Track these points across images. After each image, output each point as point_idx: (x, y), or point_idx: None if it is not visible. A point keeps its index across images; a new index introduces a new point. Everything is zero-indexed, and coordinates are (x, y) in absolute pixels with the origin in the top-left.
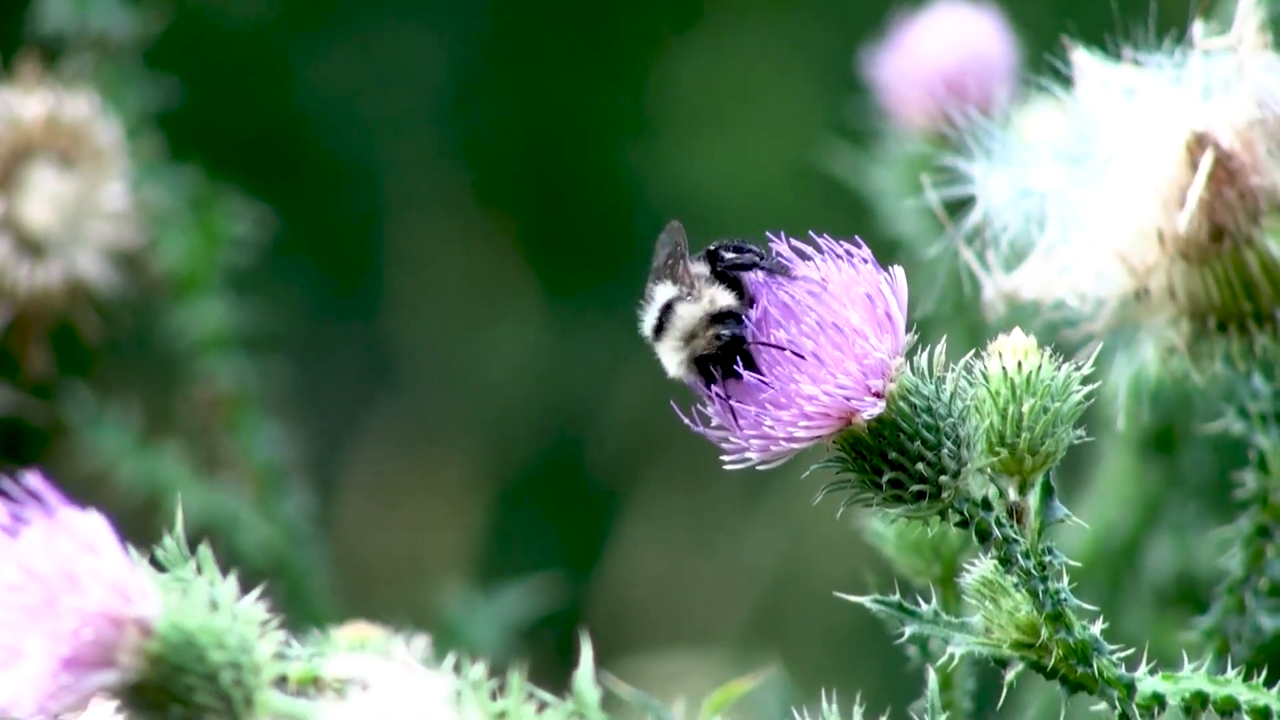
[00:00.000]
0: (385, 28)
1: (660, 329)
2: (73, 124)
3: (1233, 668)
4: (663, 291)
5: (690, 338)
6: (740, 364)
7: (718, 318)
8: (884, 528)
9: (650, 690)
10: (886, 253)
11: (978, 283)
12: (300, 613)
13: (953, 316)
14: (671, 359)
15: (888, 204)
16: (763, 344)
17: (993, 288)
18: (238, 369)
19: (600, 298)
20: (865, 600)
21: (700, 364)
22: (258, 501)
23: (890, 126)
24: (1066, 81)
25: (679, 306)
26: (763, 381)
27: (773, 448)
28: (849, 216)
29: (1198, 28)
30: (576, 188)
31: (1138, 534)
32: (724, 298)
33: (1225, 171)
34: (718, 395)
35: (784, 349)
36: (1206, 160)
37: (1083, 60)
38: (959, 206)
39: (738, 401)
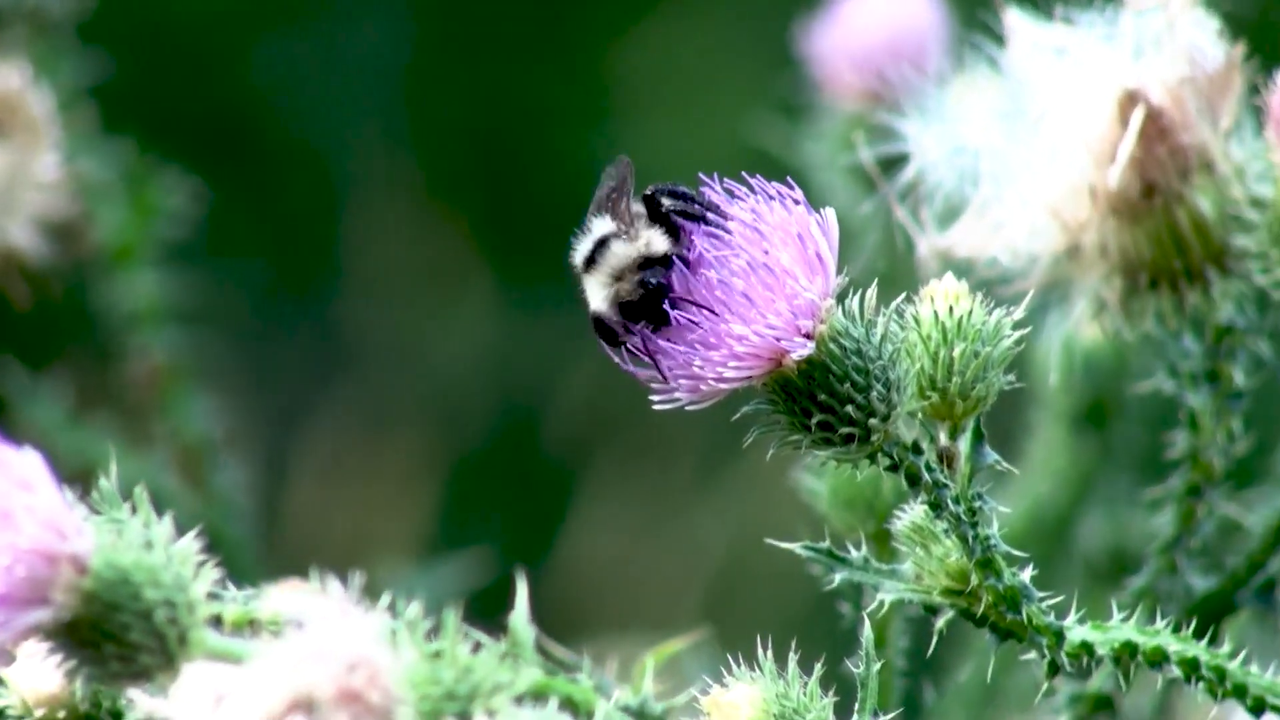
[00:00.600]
0: (340, 11)
1: (591, 262)
2: (4, 95)
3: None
4: (600, 225)
5: (617, 278)
6: (668, 306)
7: (648, 263)
8: (818, 484)
9: (602, 669)
10: None
11: (911, 241)
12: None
13: (885, 276)
14: (596, 293)
15: (819, 177)
16: (681, 299)
17: (926, 245)
18: (172, 343)
19: (553, 282)
20: (795, 547)
21: (624, 307)
22: (190, 475)
23: (823, 100)
24: (999, 41)
25: (613, 244)
26: (691, 322)
27: (701, 388)
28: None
29: None
30: (530, 173)
31: (1070, 508)
32: (659, 242)
33: (1156, 129)
34: (635, 341)
35: (703, 308)
36: (1137, 116)
37: (1014, 20)
38: (893, 165)
39: (667, 341)
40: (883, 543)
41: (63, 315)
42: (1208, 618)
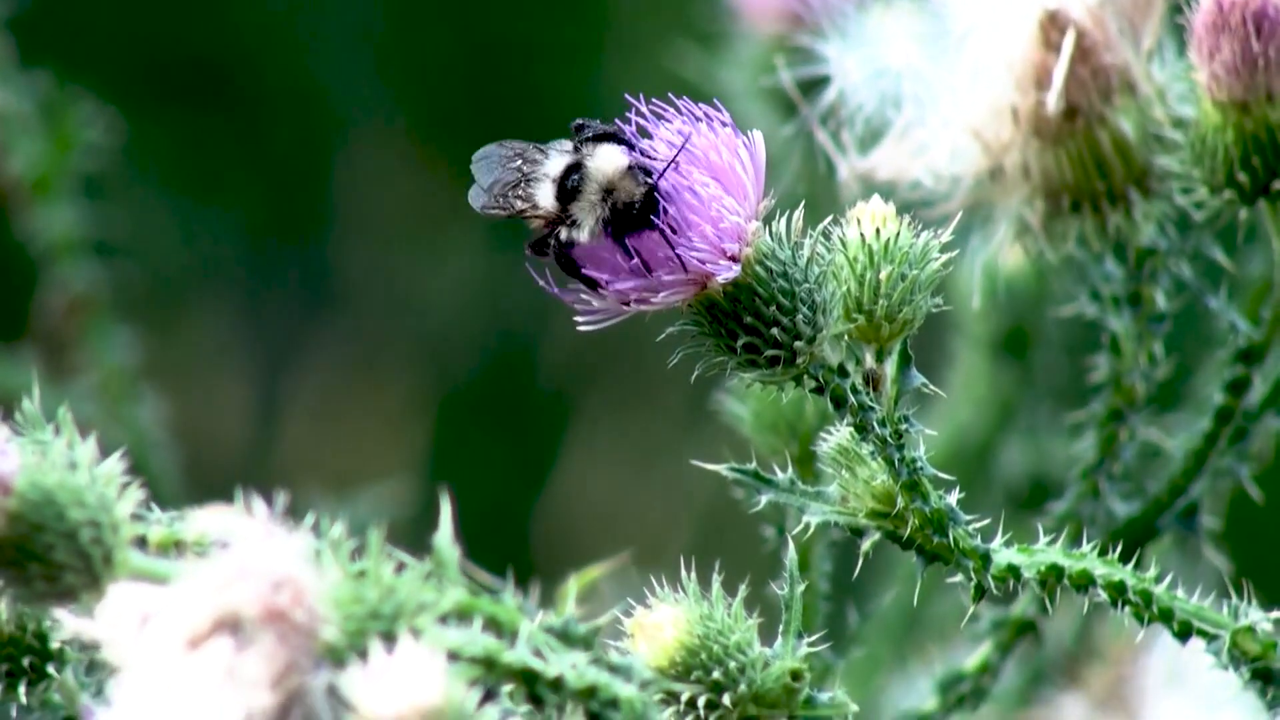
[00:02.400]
0: None
1: (575, 191)
2: None
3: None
4: (553, 163)
5: (609, 190)
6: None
7: (631, 169)
8: (741, 408)
9: (592, 604)
10: None
11: (833, 164)
12: None
13: (807, 200)
14: (588, 219)
15: (737, 105)
16: (674, 188)
17: (848, 168)
18: (90, 275)
19: None
20: (721, 468)
21: (621, 214)
22: (110, 406)
23: (739, 27)
24: None
25: (590, 164)
26: (671, 229)
27: (625, 308)
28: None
29: None
30: (519, 112)
31: (990, 436)
32: (623, 155)
33: (1078, 49)
34: (634, 250)
35: (698, 194)
36: (1069, 39)
37: None
38: (813, 88)
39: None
40: (806, 465)
41: None
42: (1131, 543)
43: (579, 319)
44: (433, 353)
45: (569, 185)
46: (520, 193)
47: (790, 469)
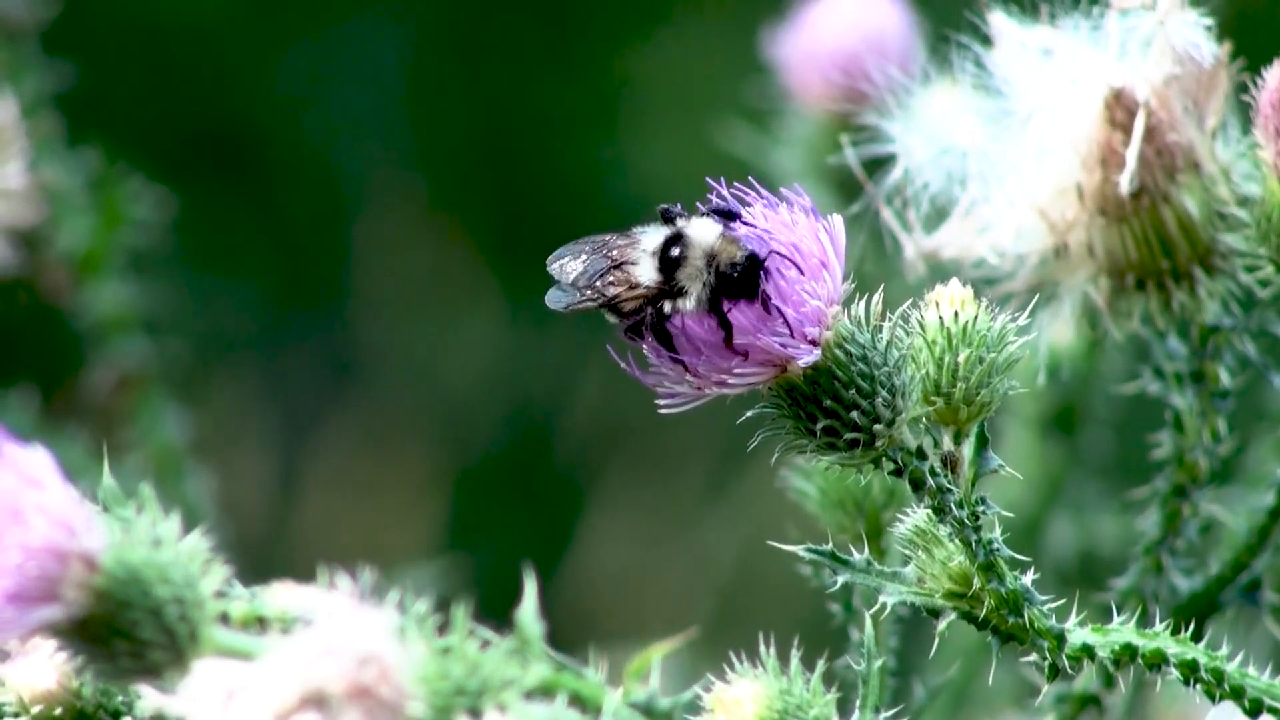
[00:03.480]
0: (344, 23)
1: (678, 261)
2: None
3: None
4: (649, 239)
5: (713, 256)
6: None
7: (730, 237)
8: (807, 485)
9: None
10: None
11: (898, 243)
12: None
13: (872, 279)
14: (694, 285)
15: (789, 184)
16: (775, 252)
17: (913, 247)
18: (140, 351)
19: None
20: (799, 549)
21: (725, 279)
22: (158, 483)
23: (791, 106)
24: (986, 42)
25: (691, 232)
26: (783, 277)
27: (706, 392)
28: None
29: None
30: (535, 184)
31: (1039, 513)
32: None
33: (1145, 128)
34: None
35: (783, 276)
36: (1140, 119)
37: (1000, 22)
38: (875, 167)
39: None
40: (872, 541)
41: (29, 325)
42: (1193, 618)
43: (660, 402)
44: (451, 425)
45: (672, 255)
46: (614, 277)
47: (865, 549)
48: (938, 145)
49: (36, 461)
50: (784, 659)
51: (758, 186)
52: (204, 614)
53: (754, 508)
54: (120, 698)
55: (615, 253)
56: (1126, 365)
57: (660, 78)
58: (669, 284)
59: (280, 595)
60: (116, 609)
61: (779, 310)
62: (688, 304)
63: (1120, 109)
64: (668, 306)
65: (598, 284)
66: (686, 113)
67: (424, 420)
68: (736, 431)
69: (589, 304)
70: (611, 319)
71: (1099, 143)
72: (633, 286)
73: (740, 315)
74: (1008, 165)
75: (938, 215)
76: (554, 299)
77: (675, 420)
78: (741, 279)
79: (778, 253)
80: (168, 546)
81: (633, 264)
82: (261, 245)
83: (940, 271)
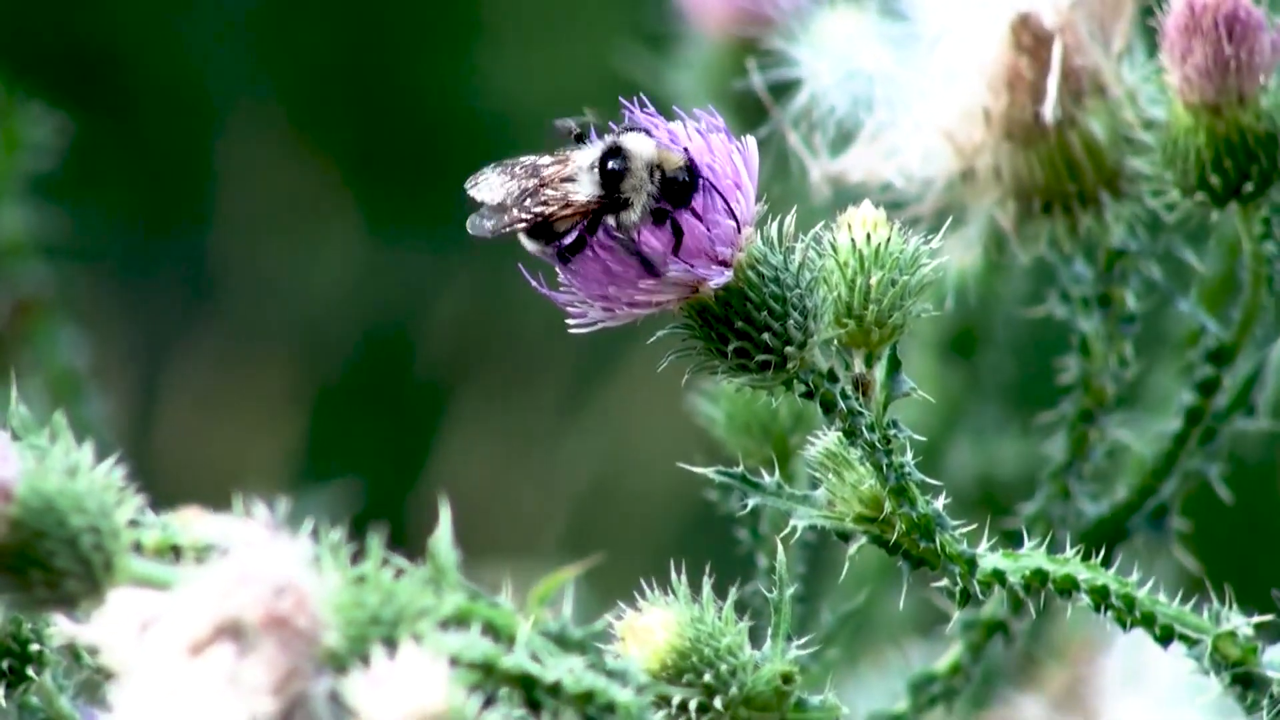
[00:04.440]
0: None
1: (617, 175)
2: None
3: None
4: (582, 156)
5: (655, 165)
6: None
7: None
8: (714, 409)
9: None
10: None
11: (804, 167)
12: None
13: (778, 202)
14: (639, 196)
15: (689, 107)
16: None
17: (819, 170)
18: (38, 276)
19: (420, 212)
20: (709, 471)
21: (669, 185)
22: (56, 407)
23: (689, 30)
24: None
25: (627, 145)
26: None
27: (617, 312)
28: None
29: None
30: (392, 104)
31: (939, 438)
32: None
33: (1049, 52)
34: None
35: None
36: (1058, 46)
37: None
38: (780, 92)
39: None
40: (781, 465)
41: None
42: (1100, 544)
43: (570, 322)
44: (310, 344)
45: (612, 168)
46: (546, 195)
47: (776, 472)
48: (844, 69)
49: None
50: (658, 579)
51: (674, 109)
52: (119, 544)
53: (610, 425)
54: (30, 626)
55: (546, 172)
56: (1025, 288)
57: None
58: (614, 196)
59: (195, 524)
60: (32, 538)
61: (723, 202)
62: (633, 215)
63: (1027, 33)
64: (611, 220)
65: (528, 203)
66: (547, 29)
67: (283, 338)
68: (592, 349)
69: (521, 224)
70: (530, 245)
71: (1005, 66)
72: (568, 204)
73: (653, 238)
74: (914, 89)
75: (843, 140)
76: (476, 224)
77: (531, 337)
78: (685, 186)
79: (708, 165)
80: (82, 475)
81: (568, 180)
82: (120, 166)
83: (845, 195)
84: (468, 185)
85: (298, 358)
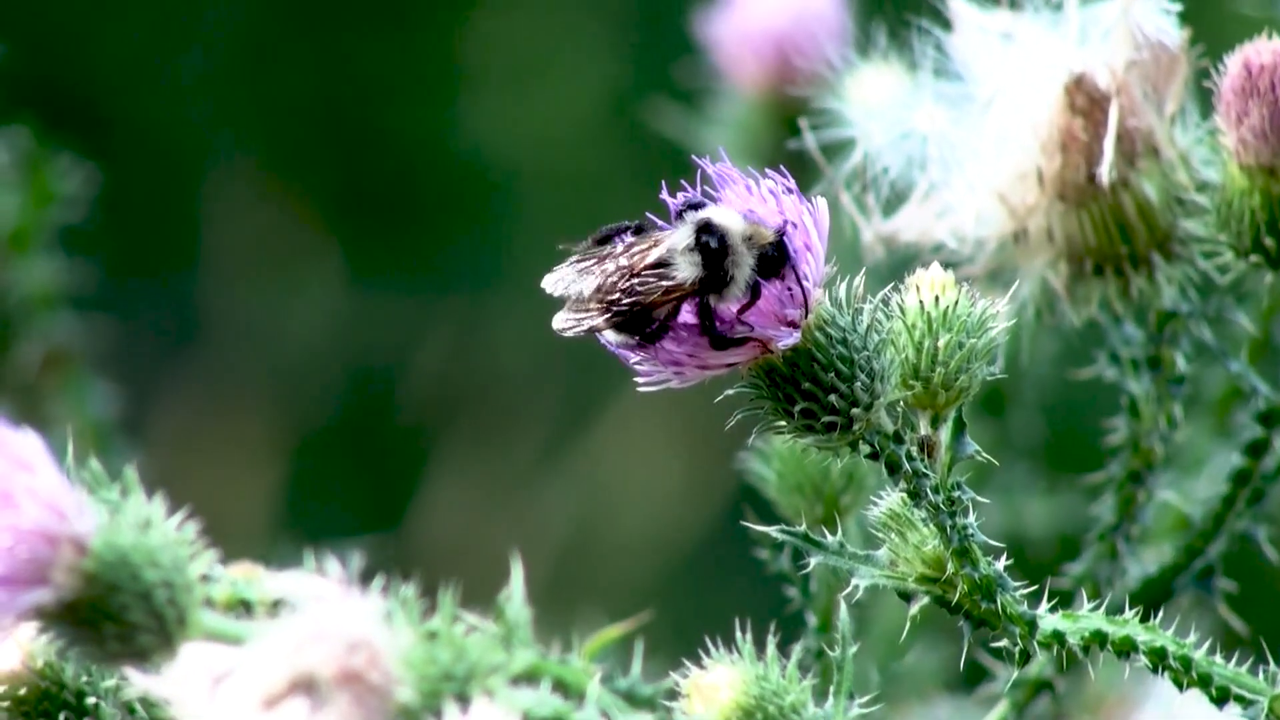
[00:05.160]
0: None
1: (718, 252)
2: None
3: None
4: (674, 238)
5: (749, 238)
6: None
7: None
8: (765, 468)
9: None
10: None
11: (856, 227)
12: None
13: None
14: (742, 271)
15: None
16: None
17: (871, 231)
18: (66, 327)
19: (401, 258)
20: (772, 530)
21: (764, 259)
22: (87, 458)
23: (722, 85)
24: (946, 26)
25: (720, 221)
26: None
27: (686, 373)
28: (660, 172)
29: None
30: (374, 150)
31: None
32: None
33: (1103, 114)
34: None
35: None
36: (1114, 109)
37: (959, 6)
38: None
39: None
40: (830, 527)
41: None
42: (1147, 603)
43: (639, 380)
44: (292, 390)
45: (713, 247)
46: (641, 283)
47: (838, 532)
48: (897, 130)
49: (28, 445)
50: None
51: (754, 173)
52: (192, 598)
53: (591, 472)
54: (104, 680)
55: (630, 260)
56: (1054, 348)
57: (498, 42)
58: (717, 274)
59: (274, 578)
60: (105, 592)
61: (795, 276)
62: (736, 290)
63: (1081, 94)
64: (713, 300)
65: (619, 294)
66: (526, 76)
67: (266, 383)
68: (574, 396)
69: (619, 316)
70: (615, 337)
71: (1059, 128)
72: (669, 289)
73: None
74: (968, 150)
75: (895, 199)
76: (565, 322)
77: (513, 386)
78: (778, 260)
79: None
80: (155, 530)
81: (661, 265)
82: (104, 210)
83: (898, 256)
84: (545, 284)
85: (280, 403)
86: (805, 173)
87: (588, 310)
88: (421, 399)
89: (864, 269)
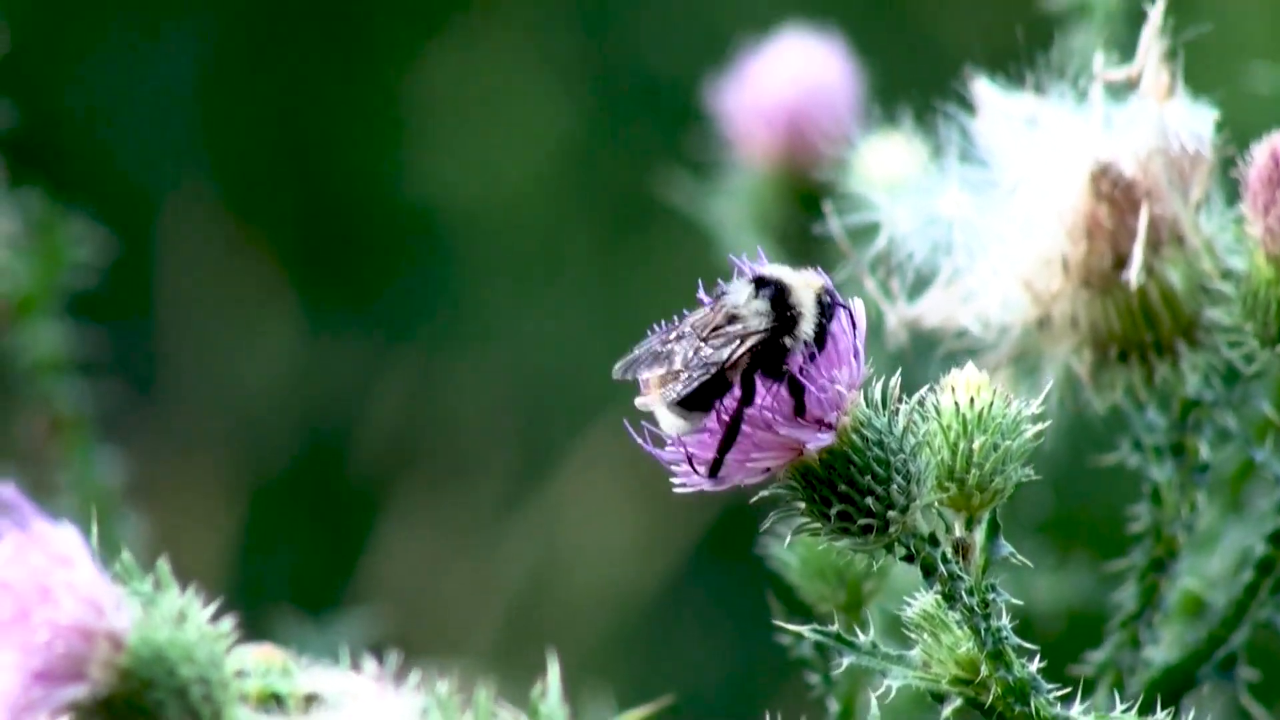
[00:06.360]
0: (134, 39)
1: (780, 294)
2: None
3: (1122, 701)
4: (731, 297)
5: (807, 287)
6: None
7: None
8: (788, 554)
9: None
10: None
11: (880, 311)
12: None
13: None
14: (808, 313)
15: (731, 238)
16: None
17: (895, 316)
18: (73, 393)
19: (358, 305)
20: (805, 630)
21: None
22: (91, 526)
23: (732, 157)
24: (969, 110)
25: (769, 273)
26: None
27: (728, 474)
28: (613, 227)
29: (1099, 58)
30: (333, 194)
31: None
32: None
33: (1128, 200)
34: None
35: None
36: (1145, 210)
37: (984, 90)
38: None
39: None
40: (853, 612)
41: None
42: (1169, 693)
43: (674, 482)
44: (248, 435)
45: (776, 291)
46: (720, 339)
47: (870, 630)
48: (923, 215)
49: (66, 539)
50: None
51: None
52: (228, 694)
53: (546, 524)
54: None
55: (699, 326)
56: (1067, 421)
57: (453, 88)
58: (785, 314)
59: (311, 674)
60: (141, 688)
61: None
62: (806, 328)
63: (1106, 181)
64: (788, 341)
65: (705, 353)
66: (480, 125)
67: (220, 432)
68: (530, 448)
69: (709, 374)
70: (680, 424)
71: (1084, 215)
72: (744, 336)
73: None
74: (993, 235)
75: (918, 284)
76: (654, 401)
77: (470, 435)
78: (832, 306)
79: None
80: (191, 624)
81: (731, 322)
82: None
83: (921, 340)
84: (620, 370)
85: (236, 450)
86: (818, 248)
87: (678, 379)
88: (378, 447)
89: (899, 370)
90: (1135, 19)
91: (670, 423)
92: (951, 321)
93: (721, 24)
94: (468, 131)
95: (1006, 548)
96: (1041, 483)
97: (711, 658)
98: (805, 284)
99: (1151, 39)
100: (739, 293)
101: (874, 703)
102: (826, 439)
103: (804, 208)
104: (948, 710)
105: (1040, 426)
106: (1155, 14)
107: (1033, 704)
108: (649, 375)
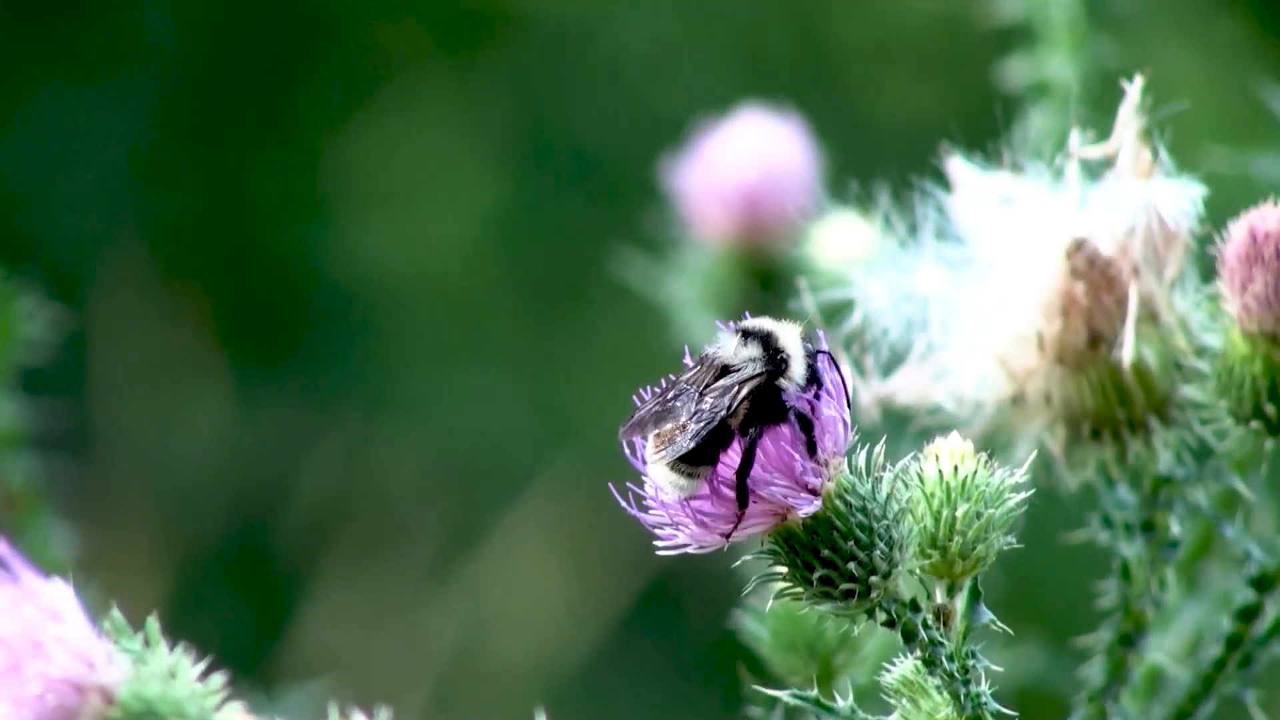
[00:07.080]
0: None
1: (766, 339)
2: None
3: None
4: (722, 350)
5: (795, 338)
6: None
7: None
8: (759, 627)
9: None
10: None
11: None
12: None
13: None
14: (797, 354)
15: (685, 314)
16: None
17: (869, 393)
18: (28, 467)
19: (288, 376)
20: (784, 695)
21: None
22: None
23: (686, 234)
24: (946, 187)
25: (751, 324)
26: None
27: (706, 538)
28: (543, 298)
29: (1074, 136)
30: (262, 265)
31: None
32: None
33: (1103, 278)
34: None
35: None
36: (1134, 293)
37: (959, 169)
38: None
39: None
40: (824, 685)
41: None
42: None
43: (658, 544)
44: (178, 505)
45: (758, 338)
46: (719, 389)
47: (850, 696)
48: (898, 291)
49: (58, 594)
50: None
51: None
52: None
53: (475, 594)
54: None
55: (693, 381)
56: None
57: (383, 161)
58: (776, 356)
59: None
60: None
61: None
62: (799, 369)
63: (1081, 258)
64: (782, 382)
65: (707, 405)
66: (411, 195)
67: (151, 500)
68: (459, 518)
69: (716, 422)
70: (682, 482)
71: (1059, 292)
72: (741, 383)
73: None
74: (967, 312)
75: (892, 361)
76: (656, 456)
77: (399, 505)
78: (817, 352)
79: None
80: (181, 680)
81: (724, 374)
82: None
83: (892, 416)
84: (625, 435)
85: (166, 519)
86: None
87: (685, 433)
88: (307, 516)
89: (884, 437)
90: (1095, 99)
91: (671, 482)
92: (925, 398)
93: (655, 101)
94: (398, 201)
95: (987, 614)
96: (995, 564)
97: None
98: (788, 329)
99: (1129, 115)
100: (727, 345)
101: None
102: (812, 505)
103: (760, 286)
104: None
105: (1022, 496)
106: (1133, 91)
107: None
108: (657, 432)
